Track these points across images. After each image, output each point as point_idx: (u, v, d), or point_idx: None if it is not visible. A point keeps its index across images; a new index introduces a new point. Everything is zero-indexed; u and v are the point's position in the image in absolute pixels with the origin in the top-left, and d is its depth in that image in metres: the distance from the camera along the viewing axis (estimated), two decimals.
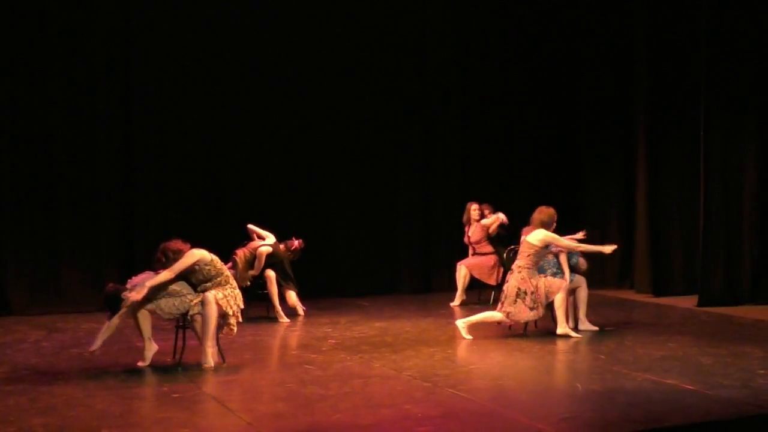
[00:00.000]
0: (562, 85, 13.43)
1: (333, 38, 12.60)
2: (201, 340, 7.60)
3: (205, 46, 11.99)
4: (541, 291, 8.63)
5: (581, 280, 9.07)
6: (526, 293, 8.60)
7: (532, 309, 8.60)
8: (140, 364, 7.66)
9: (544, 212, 8.76)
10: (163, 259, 7.58)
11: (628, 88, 12.59)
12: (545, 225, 8.71)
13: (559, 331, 8.68)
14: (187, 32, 11.88)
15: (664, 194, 11.92)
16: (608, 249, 8.75)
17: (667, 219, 11.91)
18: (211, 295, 7.52)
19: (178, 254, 7.54)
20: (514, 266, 8.82)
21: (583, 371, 7.30)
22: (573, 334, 8.68)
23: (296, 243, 10.38)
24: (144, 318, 7.61)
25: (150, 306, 7.58)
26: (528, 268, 8.65)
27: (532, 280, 8.62)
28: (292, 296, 10.38)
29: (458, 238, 12.14)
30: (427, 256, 13.08)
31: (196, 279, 7.64)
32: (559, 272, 8.90)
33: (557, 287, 8.65)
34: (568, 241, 8.79)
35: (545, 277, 8.74)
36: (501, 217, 11.26)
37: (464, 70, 13.20)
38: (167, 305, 7.56)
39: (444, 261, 12.98)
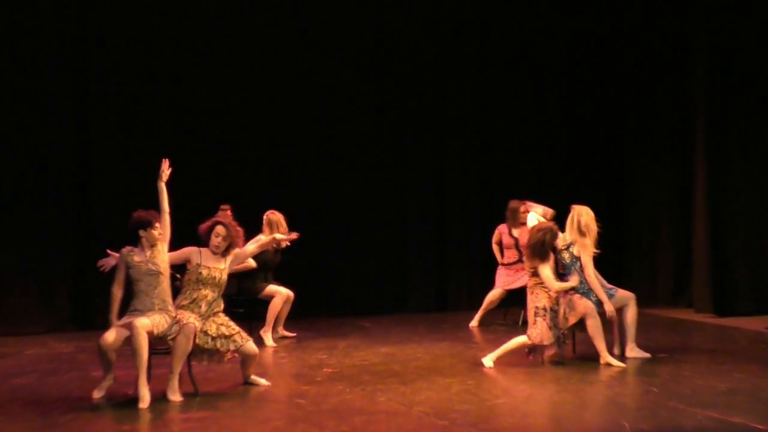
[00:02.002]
0: (606, 72, 13.44)
1: (337, 31, 12.69)
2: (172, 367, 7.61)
3: (182, 27, 12.05)
4: (561, 311, 8.61)
5: (629, 298, 9.02)
6: (545, 309, 8.60)
7: (551, 328, 8.58)
8: (96, 395, 7.64)
9: (536, 230, 8.67)
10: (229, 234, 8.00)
11: (683, 76, 12.58)
12: (535, 250, 8.59)
13: (602, 361, 8.64)
14: (159, 14, 11.94)
15: (727, 197, 11.91)
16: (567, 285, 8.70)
17: (731, 225, 11.90)
18: (192, 321, 7.61)
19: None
20: (527, 285, 8.89)
21: (630, 407, 7.25)
22: (617, 363, 8.63)
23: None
24: (119, 342, 7.57)
25: (148, 325, 7.55)
26: (541, 284, 8.67)
27: (550, 294, 8.63)
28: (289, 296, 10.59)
29: (477, 248, 12.15)
30: (440, 269, 13.08)
31: (189, 279, 7.89)
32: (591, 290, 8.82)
33: (580, 312, 8.61)
34: (550, 275, 8.64)
35: (572, 295, 8.69)
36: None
37: (485, 58, 13.22)
38: (161, 321, 7.59)
39: (461, 275, 12.98)
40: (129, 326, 7.52)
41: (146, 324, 7.47)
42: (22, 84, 11.45)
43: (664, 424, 6.59)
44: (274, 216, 10.41)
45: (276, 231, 10.08)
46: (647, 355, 8.99)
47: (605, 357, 8.65)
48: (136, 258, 7.75)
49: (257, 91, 12.41)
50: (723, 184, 11.94)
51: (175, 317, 7.66)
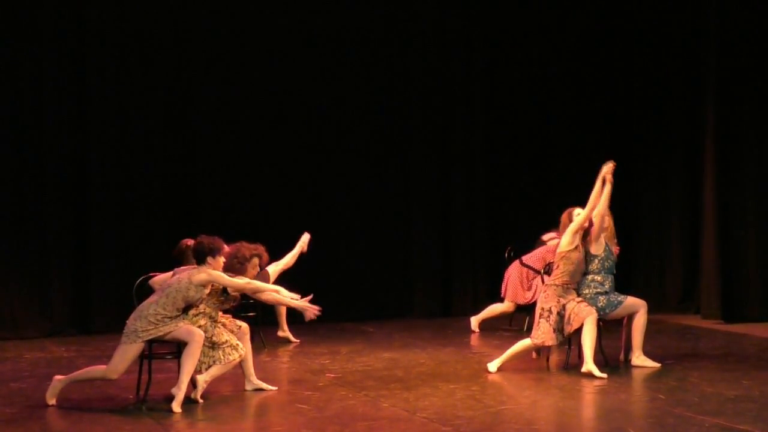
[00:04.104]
0: (612, 65, 13.38)
1: (342, 34, 12.63)
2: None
3: (177, 27, 12.04)
4: (566, 315, 8.62)
5: (640, 306, 8.98)
6: (550, 311, 8.62)
7: (555, 330, 8.60)
8: (51, 401, 7.61)
9: (565, 213, 8.86)
10: (237, 264, 8.02)
11: (692, 74, 12.55)
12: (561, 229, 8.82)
13: (583, 368, 8.52)
14: (156, 16, 11.96)
15: (737, 201, 11.87)
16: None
17: (742, 229, 11.86)
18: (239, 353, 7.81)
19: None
20: (544, 283, 8.93)
21: (636, 414, 7.27)
22: (598, 374, 8.47)
23: None
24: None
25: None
26: (556, 285, 8.70)
27: (560, 298, 8.65)
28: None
29: (483, 253, 12.08)
30: (445, 274, 13.06)
31: (224, 298, 7.93)
32: (601, 294, 8.80)
33: (581, 317, 8.58)
34: (572, 226, 8.70)
35: (579, 302, 8.68)
36: None
37: (492, 57, 13.17)
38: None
39: (466, 280, 12.95)
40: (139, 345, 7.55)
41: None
42: (18, 84, 11.45)
43: (671, 431, 6.59)
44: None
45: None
46: (656, 364, 8.91)
47: (588, 364, 8.55)
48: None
49: (259, 94, 12.36)
50: (733, 188, 11.90)
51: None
